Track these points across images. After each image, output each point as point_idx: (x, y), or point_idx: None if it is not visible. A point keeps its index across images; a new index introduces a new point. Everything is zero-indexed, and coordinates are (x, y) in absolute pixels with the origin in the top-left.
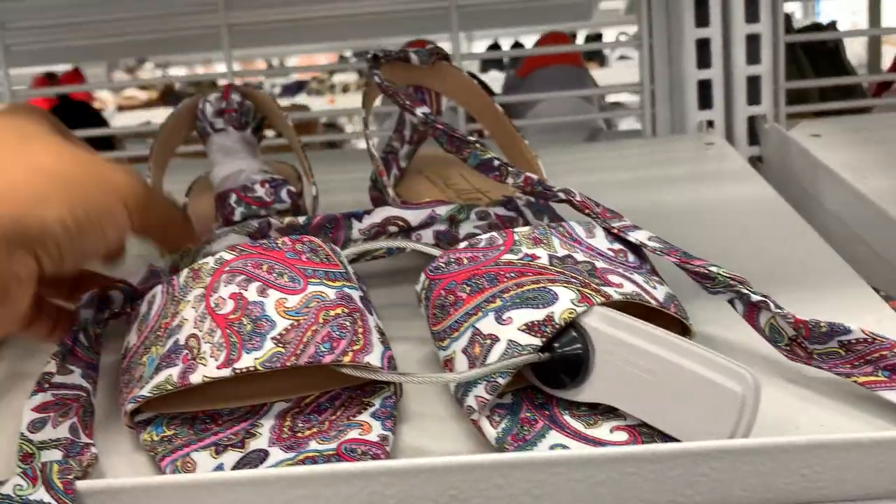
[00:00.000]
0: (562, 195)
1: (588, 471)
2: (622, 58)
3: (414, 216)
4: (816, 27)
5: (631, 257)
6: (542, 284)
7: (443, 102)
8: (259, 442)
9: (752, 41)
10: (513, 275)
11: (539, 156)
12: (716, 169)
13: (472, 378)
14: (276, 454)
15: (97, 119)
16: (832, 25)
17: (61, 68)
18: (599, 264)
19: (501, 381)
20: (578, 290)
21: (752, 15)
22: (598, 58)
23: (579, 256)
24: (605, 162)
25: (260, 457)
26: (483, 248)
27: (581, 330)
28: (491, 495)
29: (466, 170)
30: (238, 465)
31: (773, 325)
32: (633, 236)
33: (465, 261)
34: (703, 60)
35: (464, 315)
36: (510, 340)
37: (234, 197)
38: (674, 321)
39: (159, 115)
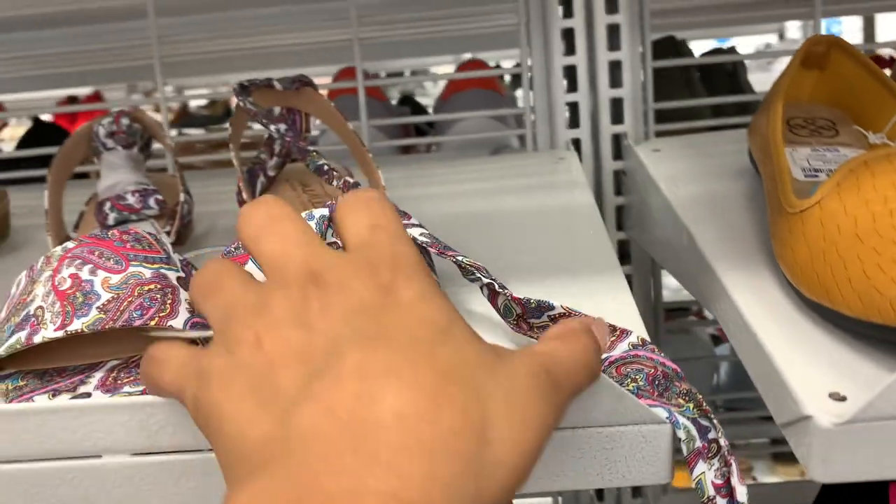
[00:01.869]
0: None
1: None
2: None
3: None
4: (717, 51)
5: None
6: None
7: (312, 122)
8: (87, 388)
9: (616, 67)
10: None
11: (390, 166)
12: (553, 180)
13: None
14: (97, 396)
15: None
16: (731, 50)
17: (83, 91)
18: None
19: None
20: None
21: (614, 44)
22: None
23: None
24: (469, 174)
25: (83, 398)
26: None
27: None
28: None
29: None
30: None
31: (506, 305)
32: (410, 231)
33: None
34: (572, 85)
35: None
36: None
37: (108, 204)
38: None
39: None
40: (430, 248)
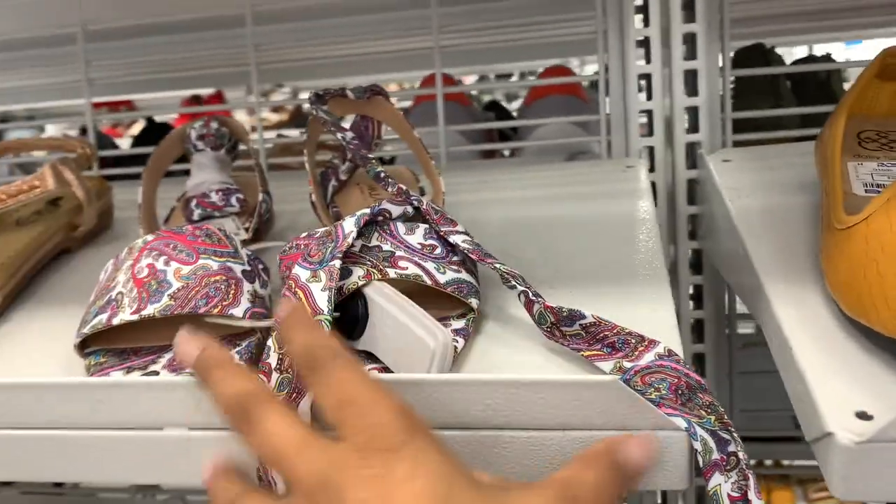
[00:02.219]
0: (415, 203)
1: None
2: None
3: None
4: (811, 59)
5: (439, 251)
6: (345, 264)
7: (383, 129)
8: (156, 367)
9: (692, 76)
10: None
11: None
12: (617, 188)
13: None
14: (163, 375)
15: None
16: (826, 58)
17: (205, 91)
18: (399, 253)
19: None
20: (366, 269)
21: (691, 53)
22: None
23: (386, 246)
24: (537, 180)
25: (152, 375)
26: (318, 237)
27: (363, 298)
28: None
29: None
30: None
31: (540, 313)
32: (453, 238)
33: (302, 246)
34: (649, 93)
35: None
36: None
37: (194, 201)
38: (453, 299)
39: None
40: (470, 255)
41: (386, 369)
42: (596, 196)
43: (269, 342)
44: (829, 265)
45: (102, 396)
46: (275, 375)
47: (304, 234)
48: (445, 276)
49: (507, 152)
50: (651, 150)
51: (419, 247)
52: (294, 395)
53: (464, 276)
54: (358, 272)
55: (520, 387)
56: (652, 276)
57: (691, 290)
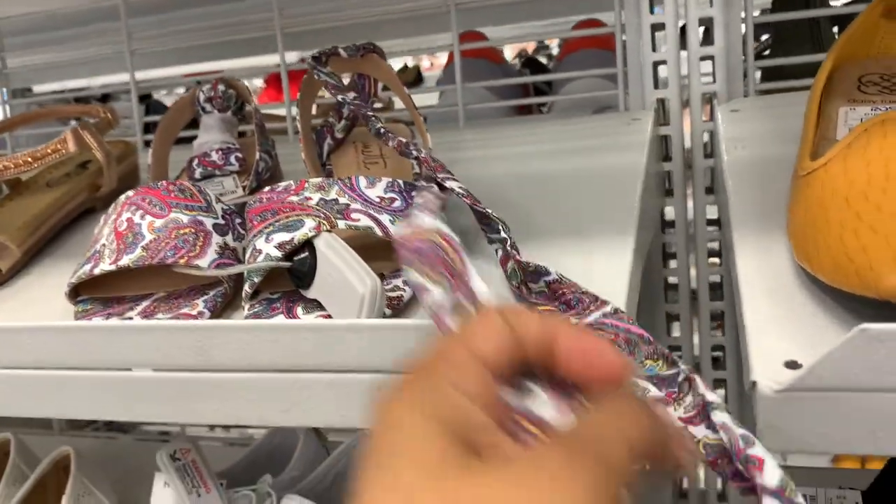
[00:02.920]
0: (414, 152)
1: (273, 334)
2: None
3: None
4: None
5: (398, 203)
6: (299, 216)
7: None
8: (131, 314)
9: (709, 24)
10: (287, 210)
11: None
12: (615, 142)
13: (234, 272)
14: (136, 321)
15: None
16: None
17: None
18: (354, 206)
19: (256, 279)
20: (318, 221)
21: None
22: None
23: (343, 199)
24: (547, 136)
25: (126, 321)
26: (279, 191)
27: (312, 248)
28: (224, 345)
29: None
30: None
31: (513, 269)
32: (448, 183)
33: (265, 199)
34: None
35: (252, 237)
36: (267, 254)
37: (196, 161)
38: None
39: None
40: (464, 199)
41: (330, 316)
42: (592, 150)
43: None
44: (789, 214)
45: (78, 339)
46: None
47: (266, 189)
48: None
49: (544, 109)
50: (663, 102)
51: (377, 200)
52: None
53: None
54: (310, 224)
55: (424, 331)
56: (618, 230)
57: (712, 246)
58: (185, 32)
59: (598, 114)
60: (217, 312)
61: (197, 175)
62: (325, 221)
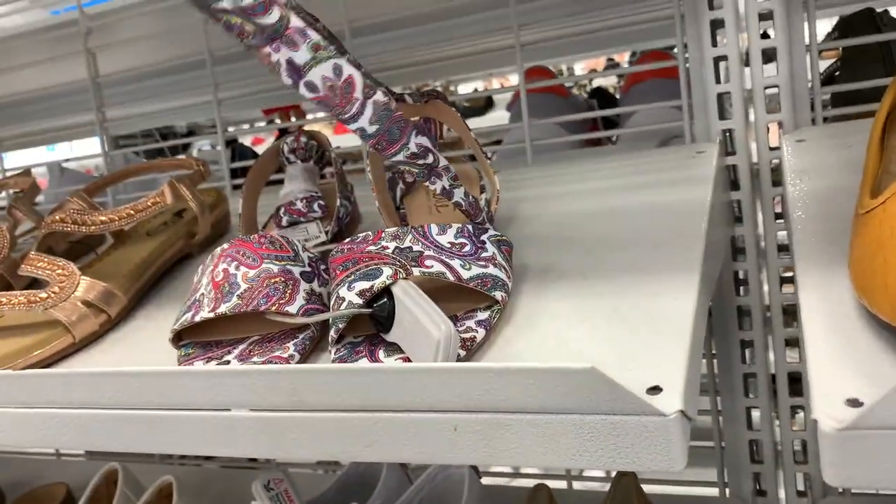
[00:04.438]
0: (462, 203)
1: (358, 377)
2: None
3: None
4: None
5: (468, 248)
6: (377, 265)
7: (444, 129)
8: (229, 357)
9: (769, 54)
10: (366, 259)
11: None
12: (681, 176)
13: (320, 320)
14: (233, 364)
15: None
16: None
17: None
18: (427, 252)
19: (340, 325)
20: (395, 269)
21: (764, 33)
22: None
23: (417, 247)
24: (610, 171)
25: (224, 364)
26: (358, 241)
27: (390, 295)
28: (314, 387)
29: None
30: None
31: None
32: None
33: (346, 250)
34: (727, 75)
35: (335, 285)
36: (349, 301)
37: (282, 209)
38: (477, 293)
39: None
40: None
41: (409, 359)
42: (654, 185)
43: None
44: (851, 249)
45: (184, 383)
46: None
47: (347, 240)
48: (470, 272)
49: (613, 140)
50: (729, 132)
51: (448, 245)
52: None
53: (491, 270)
54: (387, 272)
55: (510, 374)
56: (683, 267)
57: (784, 273)
58: (266, 76)
59: (665, 146)
60: (306, 355)
61: (284, 223)
62: (401, 269)
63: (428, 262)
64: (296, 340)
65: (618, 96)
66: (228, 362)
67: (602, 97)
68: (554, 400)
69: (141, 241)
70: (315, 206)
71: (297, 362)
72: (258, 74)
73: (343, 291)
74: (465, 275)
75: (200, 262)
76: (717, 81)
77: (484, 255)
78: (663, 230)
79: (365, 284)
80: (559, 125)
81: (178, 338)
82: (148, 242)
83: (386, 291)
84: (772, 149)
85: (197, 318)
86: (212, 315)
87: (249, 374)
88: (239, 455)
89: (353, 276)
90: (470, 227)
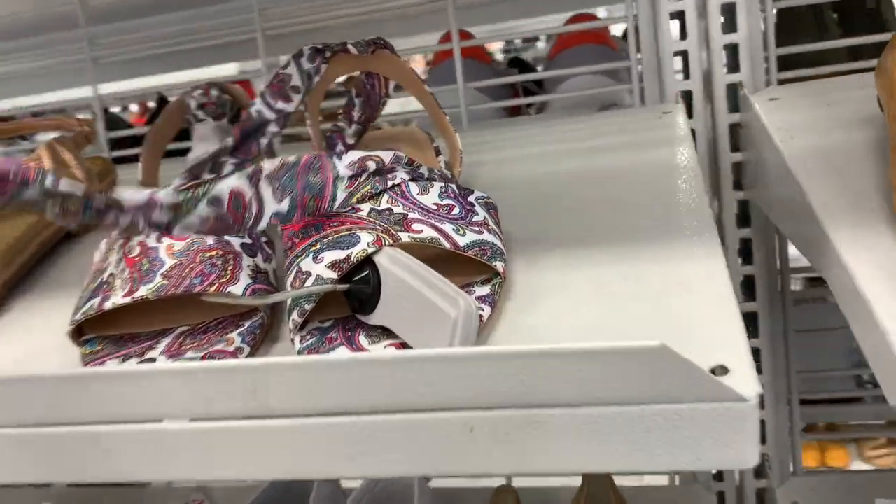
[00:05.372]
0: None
1: (343, 371)
2: None
3: (385, 155)
4: None
5: (457, 211)
6: (351, 231)
7: (390, 87)
8: (153, 353)
9: (729, 10)
10: (335, 224)
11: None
12: (654, 136)
13: (279, 300)
14: (161, 361)
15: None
16: None
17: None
18: (412, 215)
19: (307, 306)
20: (376, 235)
21: None
22: None
23: (398, 209)
24: (565, 134)
25: (149, 363)
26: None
27: (374, 266)
28: (280, 386)
29: (406, 145)
30: None
31: None
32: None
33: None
34: (683, 32)
35: (293, 257)
36: (318, 276)
37: None
38: (476, 263)
39: None
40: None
41: (405, 345)
42: (630, 146)
43: None
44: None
45: (94, 389)
46: None
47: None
48: (466, 238)
49: (532, 110)
50: (688, 94)
51: (434, 207)
52: None
53: (486, 237)
54: (367, 238)
55: (555, 358)
56: (699, 229)
57: (739, 245)
58: (153, 40)
59: (604, 112)
60: (256, 346)
61: None
62: (385, 235)
63: (416, 227)
64: (241, 330)
65: (539, 68)
66: (154, 360)
67: (522, 66)
68: (607, 388)
69: (11, 216)
70: None
71: (247, 356)
72: (142, 36)
73: (307, 264)
74: (462, 241)
75: (87, 243)
76: (683, 38)
77: (475, 218)
78: (658, 191)
79: (339, 254)
80: (480, 92)
81: (80, 332)
82: (21, 219)
83: (367, 262)
84: (730, 112)
85: (107, 305)
86: (128, 300)
87: (193, 372)
88: (176, 478)
89: (319, 245)
90: (454, 186)
